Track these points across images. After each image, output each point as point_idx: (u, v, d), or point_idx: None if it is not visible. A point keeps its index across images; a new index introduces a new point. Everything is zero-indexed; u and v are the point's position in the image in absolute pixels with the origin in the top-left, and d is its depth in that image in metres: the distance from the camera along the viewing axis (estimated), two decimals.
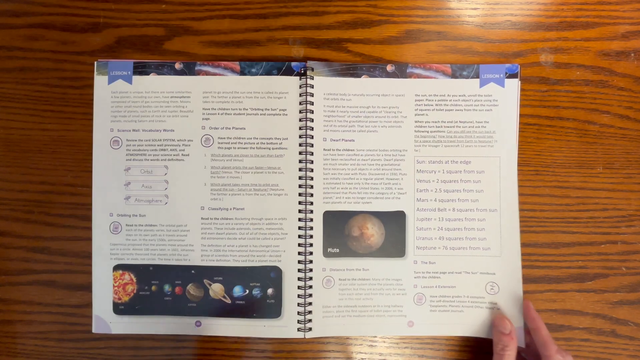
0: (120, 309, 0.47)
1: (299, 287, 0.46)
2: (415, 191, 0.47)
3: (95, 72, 0.47)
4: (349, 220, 0.47)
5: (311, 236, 0.47)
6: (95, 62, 0.47)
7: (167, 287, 0.47)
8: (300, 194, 0.47)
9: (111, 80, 0.47)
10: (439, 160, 0.48)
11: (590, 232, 0.48)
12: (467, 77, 0.48)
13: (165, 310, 0.47)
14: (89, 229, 0.47)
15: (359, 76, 0.47)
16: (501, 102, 0.47)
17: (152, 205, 0.47)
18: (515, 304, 0.46)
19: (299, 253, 0.46)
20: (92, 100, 0.47)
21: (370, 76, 0.47)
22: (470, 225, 0.47)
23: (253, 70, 0.47)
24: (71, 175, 0.48)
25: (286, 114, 0.47)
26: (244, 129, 0.47)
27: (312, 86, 0.47)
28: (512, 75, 0.47)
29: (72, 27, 0.49)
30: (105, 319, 0.47)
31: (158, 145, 0.47)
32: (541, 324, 0.43)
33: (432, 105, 0.48)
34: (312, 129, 0.47)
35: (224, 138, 0.47)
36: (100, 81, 0.47)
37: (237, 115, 0.47)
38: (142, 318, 0.47)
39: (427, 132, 0.48)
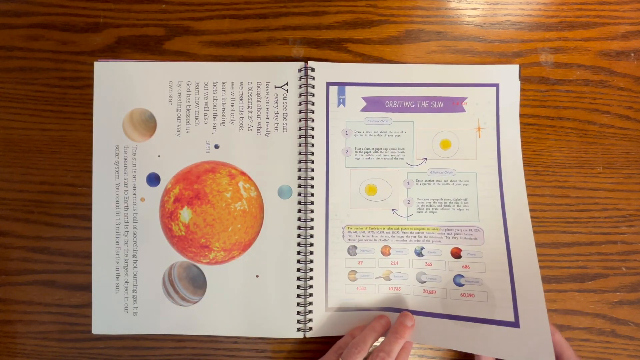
0: None
1: (298, 287, 0.46)
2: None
3: (95, 72, 0.47)
4: None
5: (312, 236, 0.46)
6: (95, 63, 0.47)
7: None
8: (299, 194, 0.47)
9: None
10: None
11: (590, 232, 0.48)
12: None
13: None
14: (89, 229, 0.46)
15: None
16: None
17: None
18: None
19: (299, 253, 0.46)
20: (92, 100, 0.47)
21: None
22: None
23: None
24: (71, 175, 0.48)
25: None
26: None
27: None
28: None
29: (72, 27, 0.49)
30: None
31: None
32: (565, 348, 0.43)
33: None
34: (312, 128, 0.47)
35: None
36: None
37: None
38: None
39: None
